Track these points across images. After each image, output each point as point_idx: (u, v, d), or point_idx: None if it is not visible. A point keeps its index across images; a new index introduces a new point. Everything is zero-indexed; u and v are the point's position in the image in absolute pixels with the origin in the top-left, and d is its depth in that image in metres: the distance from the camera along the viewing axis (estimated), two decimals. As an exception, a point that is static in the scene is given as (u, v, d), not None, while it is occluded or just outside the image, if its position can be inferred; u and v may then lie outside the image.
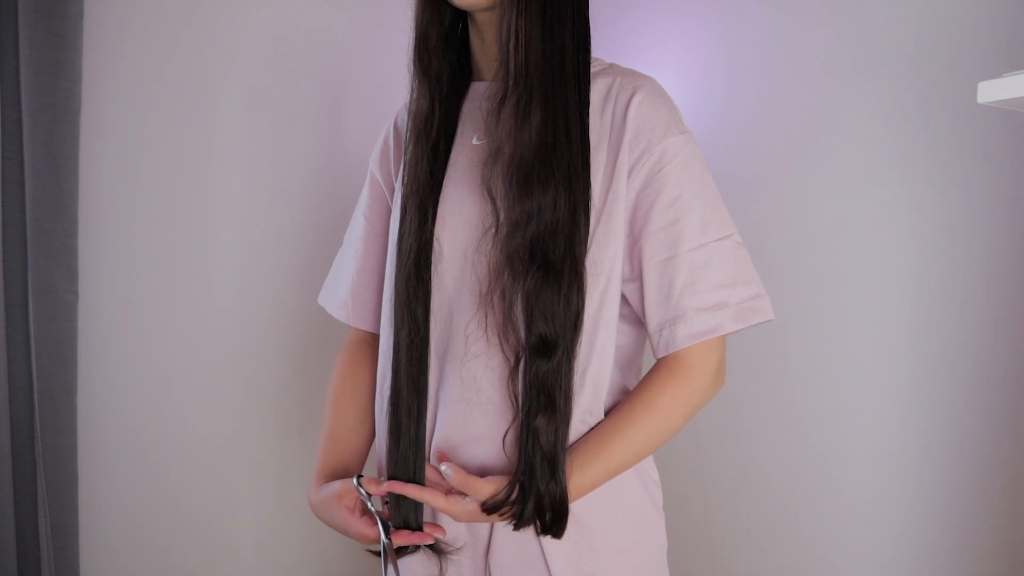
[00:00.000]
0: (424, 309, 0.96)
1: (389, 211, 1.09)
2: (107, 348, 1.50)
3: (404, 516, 0.95)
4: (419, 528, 0.95)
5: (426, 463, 0.95)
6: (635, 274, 0.94)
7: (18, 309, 1.38)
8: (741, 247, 0.95)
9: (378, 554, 0.96)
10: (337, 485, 0.99)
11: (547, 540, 0.93)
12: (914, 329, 1.30)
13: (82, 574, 1.45)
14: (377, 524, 0.95)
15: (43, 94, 1.35)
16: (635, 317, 0.98)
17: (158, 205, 1.54)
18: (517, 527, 0.89)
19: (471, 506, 0.89)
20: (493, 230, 0.92)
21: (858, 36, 1.37)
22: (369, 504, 0.96)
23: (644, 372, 0.99)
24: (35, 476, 1.39)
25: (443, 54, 1.00)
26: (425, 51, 0.99)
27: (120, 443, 1.51)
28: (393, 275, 1.00)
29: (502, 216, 0.91)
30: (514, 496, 0.88)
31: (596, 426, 0.94)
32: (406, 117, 1.02)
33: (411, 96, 1.01)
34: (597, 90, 0.96)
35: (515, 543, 0.94)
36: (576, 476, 0.90)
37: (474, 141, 0.98)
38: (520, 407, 0.89)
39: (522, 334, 0.89)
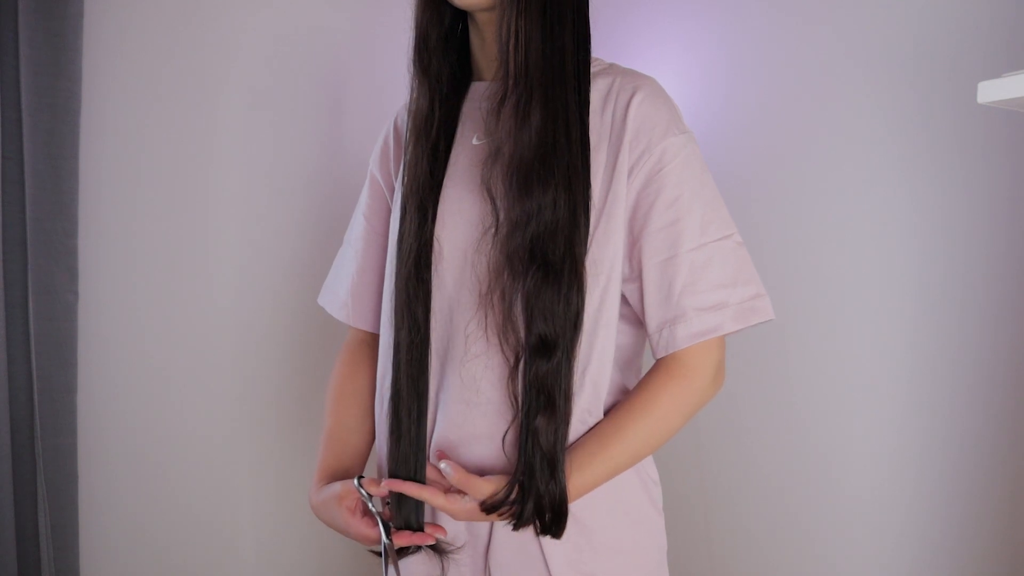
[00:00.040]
0: (424, 309, 0.96)
1: (389, 211, 1.09)
2: (107, 348, 1.50)
3: (405, 517, 0.95)
4: (420, 528, 0.95)
5: (426, 463, 0.95)
6: (635, 274, 0.94)
7: (18, 309, 1.38)
8: (741, 247, 0.95)
9: (379, 554, 0.96)
10: (338, 486, 0.99)
11: (547, 540, 0.93)
12: (914, 329, 1.30)
13: (82, 574, 1.45)
14: (378, 525, 0.95)
15: (43, 94, 1.35)
16: (635, 317, 0.98)
17: (158, 205, 1.54)
18: (516, 527, 0.89)
19: (470, 505, 0.89)
20: (493, 230, 0.92)
21: (858, 36, 1.37)
22: (370, 505, 0.95)
23: (644, 372, 0.99)
24: (35, 476, 1.39)
25: (443, 54, 1.00)
26: (425, 51, 0.99)
27: (120, 443, 1.52)
28: (393, 275, 1.00)
29: (502, 216, 0.91)
30: (513, 496, 0.88)
31: (595, 426, 0.94)
32: (406, 117, 1.02)
33: (411, 96, 1.01)
34: (597, 90, 0.96)
35: (515, 543, 0.94)
36: (575, 476, 0.90)
37: (474, 141, 0.98)
38: (520, 407, 0.89)
39: (522, 334, 0.89)
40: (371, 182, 1.13)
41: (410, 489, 0.92)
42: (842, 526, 1.40)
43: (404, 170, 1.00)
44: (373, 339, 1.12)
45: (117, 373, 1.51)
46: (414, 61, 1.00)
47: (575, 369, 0.90)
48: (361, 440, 1.09)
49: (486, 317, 0.92)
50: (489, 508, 0.88)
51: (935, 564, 1.28)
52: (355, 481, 0.96)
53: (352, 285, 1.12)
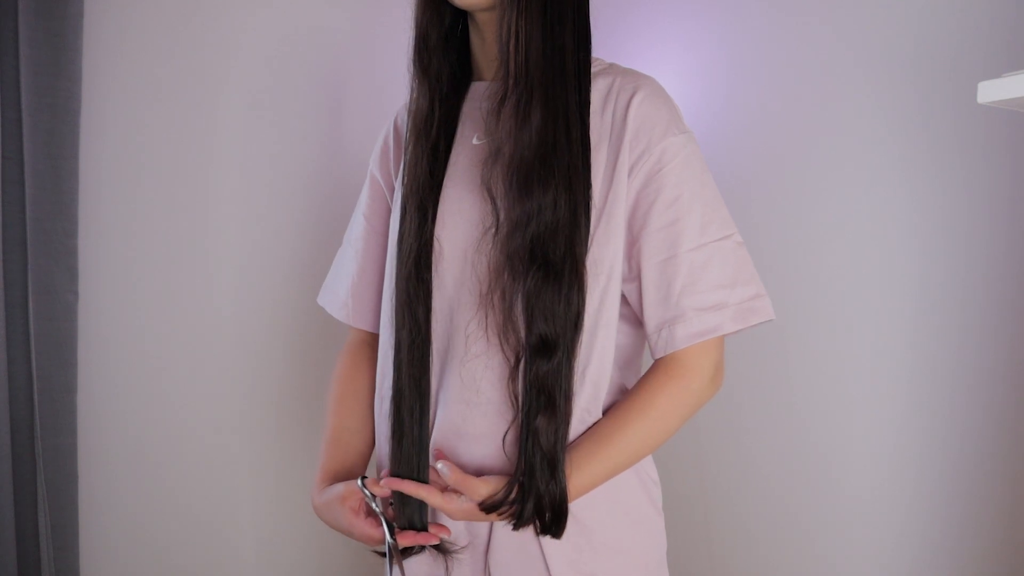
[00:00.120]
0: (425, 309, 0.96)
1: (389, 211, 1.09)
2: (107, 348, 1.50)
3: (409, 517, 0.95)
4: (424, 528, 0.95)
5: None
6: (634, 274, 0.94)
7: (18, 309, 1.38)
8: (741, 247, 0.95)
9: (383, 555, 0.96)
10: (341, 487, 0.99)
11: (547, 540, 0.93)
12: (914, 329, 1.30)
13: (82, 574, 1.45)
14: (382, 525, 0.95)
15: (43, 94, 1.35)
16: (635, 317, 0.98)
17: (158, 205, 1.54)
18: (516, 527, 0.89)
19: (467, 505, 0.89)
20: (493, 230, 0.92)
21: (858, 36, 1.37)
22: (374, 505, 0.95)
23: (644, 372, 0.98)
24: (35, 476, 1.39)
25: (443, 54, 1.00)
26: (425, 51, 0.99)
27: (120, 443, 1.52)
28: (393, 275, 1.00)
29: (502, 216, 0.91)
30: (513, 495, 0.88)
31: (593, 426, 0.93)
32: (406, 117, 1.02)
33: (411, 96, 1.01)
34: (597, 90, 0.96)
35: (515, 543, 0.94)
36: (574, 476, 0.90)
37: (474, 141, 0.98)
38: (520, 407, 0.89)
39: (522, 334, 0.89)
40: (371, 182, 1.13)
41: (407, 487, 0.92)
42: (842, 526, 1.40)
43: (404, 170, 1.00)
44: (374, 339, 1.12)
45: (117, 373, 1.51)
46: (414, 61, 1.00)
47: (575, 369, 0.90)
48: (363, 441, 1.09)
49: (486, 317, 0.92)
50: (489, 508, 0.88)
51: (935, 564, 1.28)
52: (358, 482, 0.96)
53: (352, 285, 1.12)
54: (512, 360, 0.90)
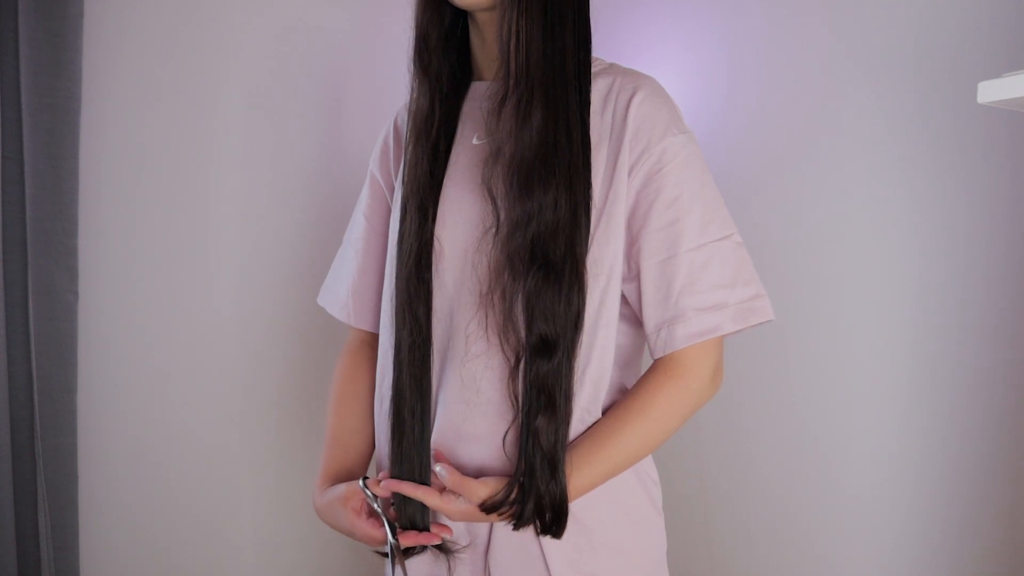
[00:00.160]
0: (426, 309, 0.96)
1: (389, 211, 1.09)
2: (107, 348, 1.50)
3: (410, 517, 0.95)
4: (426, 528, 0.95)
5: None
6: (633, 274, 0.94)
7: (18, 309, 1.38)
8: (741, 247, 0.95)
9: (385, 555, 0.96)
10: (342, 488, 0.99)
11: (547, 540, 0.93)
12: (914, 329, 1.30)
13: (82, 574, 1.45)
14: (384, 526, 0.95)
15: (43, 94, 1.35)
16: (635, 317, 0.98)
17: (158, 205, 1.54)
18: (517, 527, 0.89)
19: (465, 506, 0.89)
20: (493, 230, 0.92)
21: (858, 36, 1.37)
22: (375, 506, 0.95)
23: (644, 372, 0.98)
24: (35, 476, 1.39)
25: (443, 54, 1.00)
26: (425, 51, 0.99)
27: (120, 443, 1.51)
28: (393, 275, 1.00)
29: (502, 216, 0.91)
30: (514, 496, 0.88)
31: (593, 426, 0.93)
32: (406, 117, 1.02)
33: (411, 96, 1.01)
34: (598, 90, 0.96)
35: (515, 543, 0.94)
36: (573, 476, 0.90)
37: (474, 141, 0.98)
38: (520, 407, 0.89)
39: (522, 334, 0.89)
40: (371, 182, 1.13)
41: (406, 488, 0.92)
42: (842, 526, 1.40)
43: (404, 170, 1.00)
44: (374, 339, 1.12)
45: (117, 373, 1.51)
46: (414, 61, 1.00)
47: (575, 369, 0.90)
48: (363, 441, 1.09)
49: (486, 317, 0.92)
50: (489, 508, 0.88)
51: (935, 564, 1.28)
52: (360, 482, 0.96)
53: (352, 285, 1.12)
54: (512, 360, 0.90)
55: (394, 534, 0.94)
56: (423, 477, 0.94)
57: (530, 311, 0.88)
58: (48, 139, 1.36)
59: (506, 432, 0.91)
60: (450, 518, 0.92)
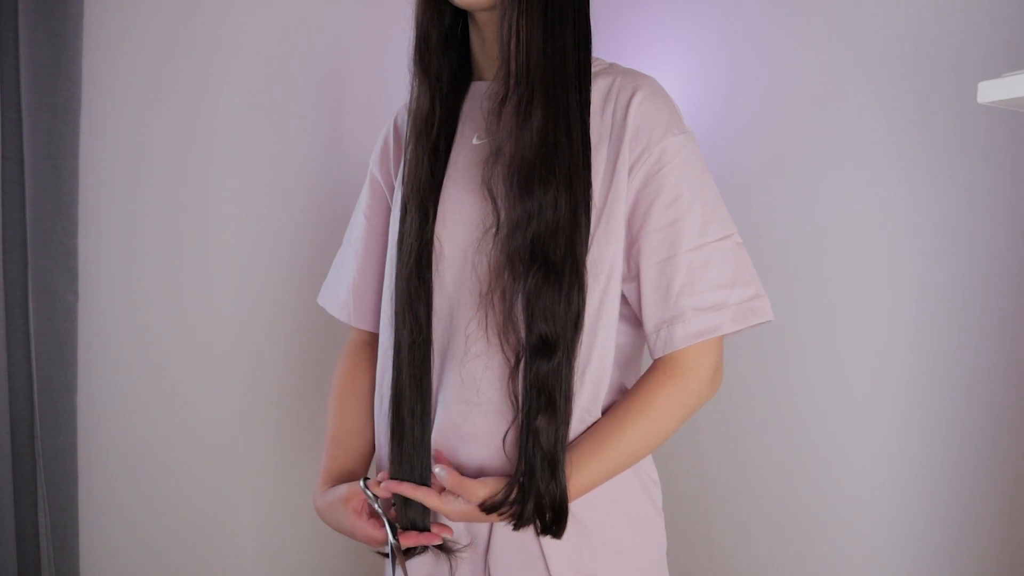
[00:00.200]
0: (426, 308, 0.96)
1: (389, 211, 1.09)
2: (107, 348, 1.50)
3: (411, 517, 0.95)
4: (427, 529, 0.95)
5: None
6: (633, 273, 0.94)
7: (18, 309, 1.38)
8: (741, 247, 0.95)
9: (386, 555, 0.96)
10: (343, 488, 0.99)
11: (547, 540, 0.92)
12: (914, 329, 1.30)
13: (82, 574, 1.45)
14: (385, 526, 0.95)
15: (43, 94, 1.35)
16: (635, 317, 0.98)
17: (158, 205, 1.54)
18: (517, 527, 0.89)
19: (464, 506, 0.89)
20: (494, 230, 0.92)
21: (858, 36, 1.37)
22: (376, 506, 0.95)
23: (643, 372, 0.98)
24: (35, 476, 1.39)
25: (443, 54, 1.00)
26: (426, 51, 0.99)
27: (120, 443, 1.51)
28: (393, 275, 1.00)
29: (503, 216, 0.91)
30: (513, 496, 0.88)
31: (592, 426, 0.93)
32: (406, 117, 1.02)
33: (411, 95, 1.01)
34: (598, 90, 0.96)
35: (515, 543, 0.94)
36: (574, 476, 0.89)
37: (474, 141, 0.98)
38: (520, 407, 0.89)
39: (522, 334, 0.89)
40: (371, 182, 1.13)
41: (405, 489, 0.92)
42: (842, 526, 1.40)
43: (404, 169, 1.00)
44: (374, 339, 1.12)
45: (117, 373, 1.51)
46: (415, 61, 1.00)
47: (575, 369, 0.90)
48: (364, 442, 1.09)
49: (486, 317, 0.92)
50: (489, 508, 0.88)
51: (935, 564, 1.28)
52: (361, 483, 0.96)
53: (353, 285, 1.12)
54: (512, 360, 0.90)
55: (395, 534, 0.94)
56: (423, 477, 0.94)
57: (530, 311, 0.88)
58: (48, 139, 1.36)
59: (506, 432, 0.91)
60: (450, 518, 0.92)
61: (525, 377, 0.89)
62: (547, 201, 0.88)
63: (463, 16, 1.02)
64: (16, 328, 1.37)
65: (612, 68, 0.99)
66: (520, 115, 0.89)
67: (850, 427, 1.39)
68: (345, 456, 1.07)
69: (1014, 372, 1.20)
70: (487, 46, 1.00)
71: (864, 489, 1.37)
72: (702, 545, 1.62)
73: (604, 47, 1.33)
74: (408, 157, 0.99)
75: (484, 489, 0.88)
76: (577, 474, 0.90)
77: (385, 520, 0.95)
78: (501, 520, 0.90)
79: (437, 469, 0.90)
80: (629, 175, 0.93)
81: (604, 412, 0.95)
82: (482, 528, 0.96)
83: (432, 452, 0.95)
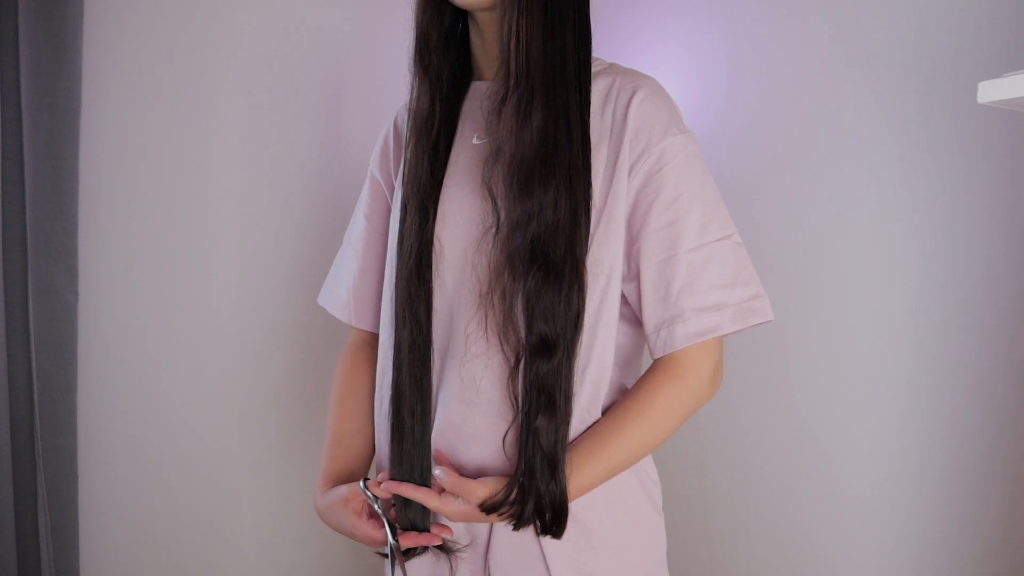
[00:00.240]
0: (426, 308, 0.96)
1: (389, 211, 1.09)
2: (107, 348, 1.50)
3: (411, 518, 0.95)
4: (426, 529, 0.95)
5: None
6: (633, 273, 0.94)
7: (18, 309, 1.38)
8: (741, 247, 0.95)
9: (386, 556, 0.96)
10: (343, 489, 0.99)
11: (547, 540, 0.92)
12: (914, 329, 1.30)
13: (82, 574, 1.45)
14: (384, 527, 0.95)
15: (43, 94, 1.35)
16: (635, 317, 0.98)
17: (158, 205, 1.54)
18: (517, 527, 0.89)
19: (464, 507, 0.89)
20: (494, 230, 0.92)
21: (858, 36, 1.37)
22: (376, 507, 0.95)
23: (643, 372, 0.98)
24: (35, 476, 1.39)
25: (443, 53, 1.00)
26: (426, 51, 0.99)
27: (120, 443, 1.51)
28: (393, 275, 1.00)
29: (503, 216, 0.91)
30: (513, 496, 0.88)
31: (592, 426, 0.93)
32: (406, 117, 1.02)
33: (411, 95, 1.01)
34: (598, 90, 0.96)
35: (514, 543, 0.94)
36: (574, 476, 0.89)
37: (474, 140, 0.98)
38: (520, 407, 0.89)
39: (522, 334, 0.89)
40: (371, 182, 1.13)
41: (405, 490, 0.92)
42: (842, 526, 1.40)
43: (404, 169, 1.00)
44: (374, 339, 1.12)
45: (117, 373, 1.51)
46: (415, 61, 1.00)
47: (575, 369, 0.90)
48: (364, 442, 1.09)
49: (486, 317, 0.92)
50: (489, 509, 0.88)
51: (935, 564, 1.28)
52: (360, 483, 0.96)
53: (353, 285, 1.12)
54: (512, 360, 0.90)
55: (394, 535, 0.94)
56: (423, 477, 0.94)
57: (530, 311, 0.88)
58: (48, 139, 1.36)
59: (506, 432, 0.91)
60: (450, 519, 0.92)
61: (525, 377, 0.89)
62: (547, 201, 0.88)
63: (463, 16, 1.02)
64: (16, 328, 1.37)
65: (612, 68, 0.99)
66: (520, 115, 0.89)
67: (850, 427, 1.39)
68: (345, 456, 1.07)
69: (1014, 372, 1.20)
70: (487, 46, 1.00)
71: (864, 489, 1.37)
72: (702, 545, 1.62)
73: (604, 47, 1.33)
74: (408, 157, 0.99)
75: (484, 489, 0.88)
76: (577, 474, 0.90)
77: (385, 521, 0.95)
78: (501, 520, 0.90)
79: (437, 471, 0.90)
80: (629, 175, 0.93)
81: (604, 412, 0.95)
82: (482, 528, 0.96)
83: (433, 453, 0.95)
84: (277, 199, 1.66)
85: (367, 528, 0.96)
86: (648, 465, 1.01)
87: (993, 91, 0.92)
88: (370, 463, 1.10)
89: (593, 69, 0.96)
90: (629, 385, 1.00)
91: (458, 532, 0.97)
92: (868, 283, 1.36)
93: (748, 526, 1.55)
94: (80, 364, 1.44)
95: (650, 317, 0.93)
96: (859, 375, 1.38)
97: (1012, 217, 1.20)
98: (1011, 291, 1.20)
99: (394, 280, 0.99)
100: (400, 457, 0.95)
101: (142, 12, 1.50)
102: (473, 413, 0.93)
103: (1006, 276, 1.21)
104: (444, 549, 0.96)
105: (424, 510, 0.95)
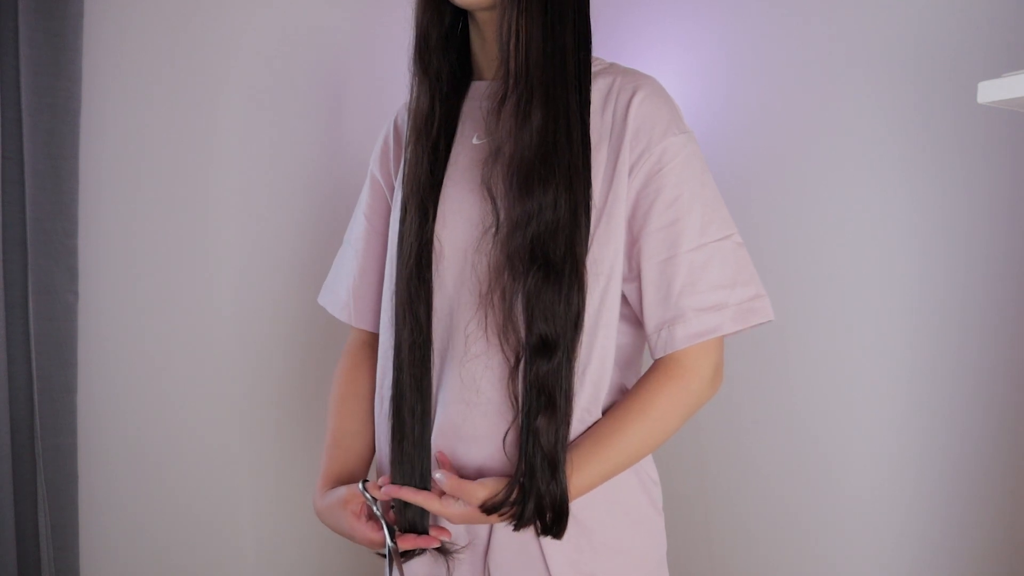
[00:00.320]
0: (426, 308, 0.96)
1: (389, 211, 1.09)
2: (107, 348, 1.50)
3: (410, 520, 0.95)
4: (425, 531, 0.95)
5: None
6: (634, 274, 0.94)
7: (18, 309, 1.38)
8: (741, 247, 0.95)
9: (385, 556, 0.96)
10: (343, 491, 0.99)
11: (547, 540, 0.92)
12: (914, 329, 1.30)
13: (82, 574, 1.45)
14: (383, 529, 0.95)
15: (43, 94, 1.35)
16: (635, 317, 0.98)
17: (158, 205, 1.54)
18: (517, 527, 0.89)
19: (465, 509, 0.89)
20: (493, 230, 0.92)
21: (858, 36, 1.37)
22: (375, 509, 0.95)
23: (643, 372, 0.98)
24: (35, 476, 1.39)
25: (443, 53, 1.00)
26: (426, 50, 0.99)
27: (120, 443, 1.51)
28: (394, 275, 1.00)
29: (502, 216, 0.91)
30: (514, 497, 0.88)
31: (593, 426, 0.93)
32: (406, 116, 1.02)
33: (411, 95, 1.01)
34: (598, 89, 0.96)
35: (515, 544, 0.94)
36: (574, 477, 0.89)
37: (474, 140, 0.98)
38: (520, 407, 0.89)
39: (522, 334, 0.89)
40: (371, 182, 1.13)
41: (406, 494, 0.92)
42: (842, 526, 1.40)
43: (404, 169, 1.00)
44: (375, 340, 1.12)
45: (117, 373, 1.51)
46: (415, 60, 1.00)
47: (575, 369, 0.90)
48: (364, 444, 1.09)
49: (486, 317, 0.92)
50: (490, 509, 0.88)
51: (935, 564, 1.28)
52: (359, 485, 0.96)
53: (353, 285, 1.12)
54: (512, 360, 0.90)
55: (392, 537, 0.94)
56: (423, 477, 0.94)
57: (530, 311, 0.88)
58: (48, 139, 1.36)
59: (506, 432, 0.91)
60: (451, 521, 0.92)
61: (525, 377, 0.89)
62: (547, 201, 0.88)
63: (463, 16, 1.01)
64: (16, 328, 1.37)
65: (612, 68, 0.99)
66: (519, 115, 0.89)
67: (850, 427, 1.39)
68: (345, 458, 1.07)
69: (1014, 372, 1.20)
70: (487, 46, 1.00)
71: (864, 489, 1.37)
72: (702, 545, 1.62)
73: (604, 47, 1.33)
74: (408, 157, 0.99)
75: (483, 491, 0.88)
76: (577, 474, 0.90)
77: (383, 523, 0.95)
78: (502, 521, 0.90)
79: (437, 475, 0.90)
80: (629, 175, 0.93)
81: (604, 412, 0.95)
82: (482, 529, 0.96)
83: (434, 455, 0.95)
84: (277, 199, 1.66)
85: (366, 530, 0.96)
86: (648, 465, 1.01)
87: (993, 91, 0.92)
88: (370, 464, 1.10)
89: (593, 69, 0.96)
90: (629, 385, 1.00)
91: (457, 532, 0.97)
92: (868, 283, 1.36)
93: (748, 526, 1.55)
94: (80, 364, 1.44)
95: (651, 317, 0.93)
96: (859, 375, 1.38)
97: (1012, 217, 1.20)
98: (1011, 291, 1.20)
99: (394, 280, 0.99)
100: (400, 457, 0.95)
101: (142, 12, 1.50)
102: (473, 413, 0.93)
103: (1006, 276, 1.21)
104: (442, 551, 0.96)
105: (423, 512, 0.95)
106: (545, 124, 0.89)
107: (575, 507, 0.92)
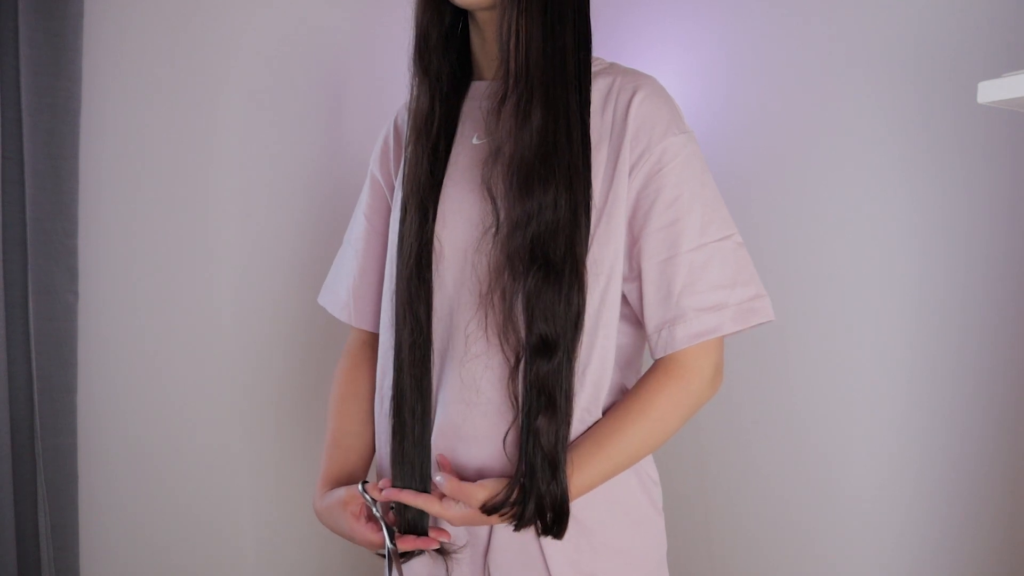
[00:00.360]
0: (426, 308, 0.96)
1: (389, 210, 1.09)
2: (107, 348, 1.50)
3: (410, 521, 0.95)
4: (424, 533, 0.95)
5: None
6: (634, 274, 0.94)
7: (18, 309, 1.38)
8: (741, 247, 0.95)
9: (384, 557, 0.96)
10: (342, 491, 0.99)
11: (547, 541, 0.92)
12: (914, 329, 1.30)
13: (82, 574, 1.45)
14: (383, 530, 0.95)
15: (43, 94, 1.35)
16: (635, 317, 0.98)
17: (158, 205, 1.54)
18: (518, 528, 0.89)
19: (465, 511, 0.89)
20: (493, 230, 0.91)
21: (858, 36, 1.37)
22: (374, 510, 0.95)
23: (644, 372, 0.98)
24: (35, 476, 1.39)
25: (443, 53, 1.00)
26: (426, 50, 0.99)
27: (120, 443, 1.51)
28: (394, 275, 1.00)
29: (502, 216, 0.91)
30: (514, 497, 0.88)
31: (592, 427, 0.93)
32: (406, 116, 1.02)
33: (411, 95, 1.01)
34: (598, 89, 0.96)
35: (515, 544, 0.94)
36: (574, 477, 0.89)
37: (474, 140, 0.98)
38: (520, 407, 0.89)
39: (522, 334, 0.89)
40: (371, 182, 1.13)
41: (406, 497, 0.92)
42: (842, 526, 1.40)
43: (404, 169, 1.00)
44: (375, 340, 1.12)
45: (117, 373, 1.51)
46: (415, 60, 1.00)
47: (575, 369, 0.90)
48: (363, 444, 1.09)
49: (486, 317, 0.92)
50: (490, 510, 0.88)
51: (935, 564, 1.28)
52: (359, 486, 0.96)
53: (353, 285, 1.12)
54: (512, 360, 0.90)
55: (392, 538, 0.94)
56: (423, 477, 0.94)
57: (530, 311, 0.88)
58: (48, 139, 1.36)
59: (506, 432, 0.91)
60: (452, 523, 0.92)
61: (525, 377, 0.89)
62: (547, 201, 0.88)
63: (463, 16, 1.01)
64: (16, 328, 1.37)
65: (612, 68, 0.99)
66: (519, 115, 0.89)
67: (850, 427, 1.39)
68: (345, 458, 1.07)
69: (1014, 372, 1.20)
70: (487, 45, 0.99)
71: (864, 489, 1.37)
72: (702, 545, 1.62)
73: (604, 47, 1.34)
74: (408, 157, 0.99)
75: (483, 492, 0.88)
76: (578, 474, 0.90)
77: (382, 524, 0.95)
78: (503, 522, 0.90)
79: (438, 477, 0.90)
80: (630, 175, 0.93)
81: (605, 412, 0.95)
82: (482, 529, 0.96)
83: (435, 457, 0.95)
84: (277, 199, 1.66)
85: (365, 531, 0.96)
86: (648, 465, 1.01)
87: (993, 91, 0.92)
88: (369, 465, 1.10)
89: (593, 69, 0.96)
90: (629, 385, 1.00)
91: (457, 532, 0.97)
92: (868, 283, 1.36)
93: (748, 526, 1.55)
94: (80, 364, 1.44)
95: (651, 317, 0.93)
96: (859, 375, 1.38)
97: (1012, 217, 1.20)
98: (1011, 291, 1.20)
99: (394, 280, 0.99)
100: (400, 457, 0.95)
101: (142, 12, 1.50)
102: (473, 413, 0.93)
103: (1006, 276, 1.21)
104: (441, 551, 0.96)
105: (422, 513, 0.95)
106: (545, 124, 0.89)
107: (575, 507, 0.92)
